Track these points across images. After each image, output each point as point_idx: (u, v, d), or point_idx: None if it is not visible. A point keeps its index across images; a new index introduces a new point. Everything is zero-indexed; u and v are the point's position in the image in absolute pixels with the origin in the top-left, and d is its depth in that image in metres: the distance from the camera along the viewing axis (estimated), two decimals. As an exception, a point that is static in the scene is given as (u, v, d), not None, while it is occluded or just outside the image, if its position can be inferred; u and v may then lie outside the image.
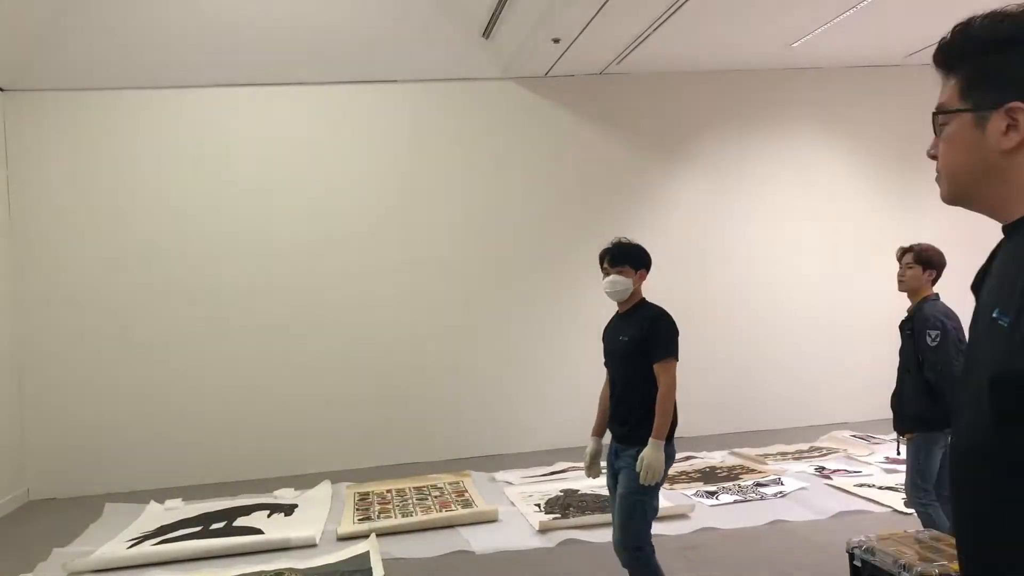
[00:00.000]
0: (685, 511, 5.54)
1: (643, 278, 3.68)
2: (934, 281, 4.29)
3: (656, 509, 3.57)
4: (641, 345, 3.54)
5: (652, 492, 3.49)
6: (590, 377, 8.16)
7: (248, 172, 7.74)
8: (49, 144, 7.45)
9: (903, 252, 4.46)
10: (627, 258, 3.66)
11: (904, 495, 4.44)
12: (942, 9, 7.08)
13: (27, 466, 7.32)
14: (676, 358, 3.54)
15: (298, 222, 7.79)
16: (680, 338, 3.61)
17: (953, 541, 3.37)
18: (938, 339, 4.05)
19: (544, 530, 5.32)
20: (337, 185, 7.88)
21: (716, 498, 5.92)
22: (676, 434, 3.62)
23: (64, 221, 7.46)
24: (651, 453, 3.40)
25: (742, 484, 6.23)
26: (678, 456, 7.19)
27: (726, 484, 6.27)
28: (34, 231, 7.42)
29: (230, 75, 7.61)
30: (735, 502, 5.81)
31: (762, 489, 6.06)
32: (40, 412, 7.36)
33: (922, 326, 4.16)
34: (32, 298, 7.39)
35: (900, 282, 4.40)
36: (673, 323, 3.60)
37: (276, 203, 7.76)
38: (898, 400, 4.29)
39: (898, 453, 4.52)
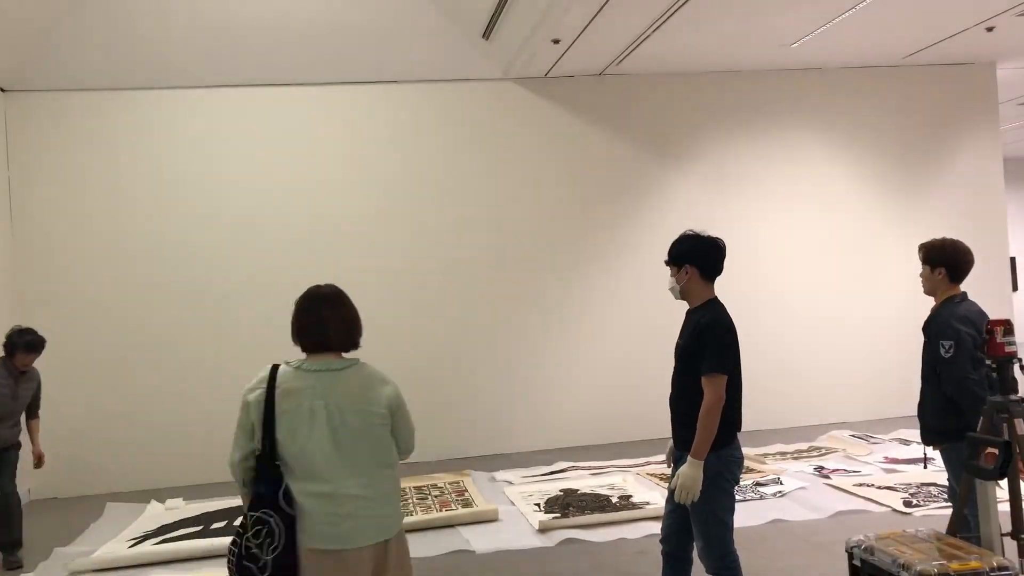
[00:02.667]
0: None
1: (689, 275, 3.31)
2: (953, 279, 3.82)
3: (726, 517, 3.33)
4: (689, 352, 3.30)
5: (718, 503, 3.28)
6: (590, 377, 8.19)
7: (248, 172, 7.75)
8: (49, 144, 7.46)
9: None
10: (670, 254, 3.39)
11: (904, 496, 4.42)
12: (942, 9, 7.10)
13: (28, 466, 7.32)
14: (724, 372, 3.25)
15: (298, 222, 7.80)
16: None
17: (956, 541, 3.39)
18: (952, 350, 3.67)
19: (544, 530, 5.33)
20: (337, 185, 7.89)
21: None
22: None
23: (64, 221, 7.47)
24: (687, 472, 3.17)
25: (741, 484, 6.23)
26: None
27: None
28: (34, 231, 7.42)
29: (230, 76, 7.62)
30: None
31: (761, 488, 6.07)
32: (41, 411, 7.36)
33: (936, 334, 3.77)
34: (32, 297, 7.40)
35: (922, 284, 3.95)
36: (723, 332, 3.30)
37: (276, 203, 7.77)
38: (921, 410, 3.93)
39: (924, 466, 4.25)
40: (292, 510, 2.49)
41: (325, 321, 2.70)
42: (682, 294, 3.38)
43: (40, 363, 7.39)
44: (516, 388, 8.13)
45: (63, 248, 7.46)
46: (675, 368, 3.42)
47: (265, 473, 2.54)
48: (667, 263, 3.40)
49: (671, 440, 3.51)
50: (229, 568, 2.54)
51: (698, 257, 3.30)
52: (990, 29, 7.57)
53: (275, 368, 2.67)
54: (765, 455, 7.10)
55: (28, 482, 7.30)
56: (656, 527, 5.28)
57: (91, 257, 7.50)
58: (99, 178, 7.54)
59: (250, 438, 2.61)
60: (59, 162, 7.48)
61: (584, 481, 6.59)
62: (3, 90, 7.37)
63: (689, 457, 3.20)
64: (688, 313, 3.42)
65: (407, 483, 6.80)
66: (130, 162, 7.58)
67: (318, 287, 2.79)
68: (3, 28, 6.71)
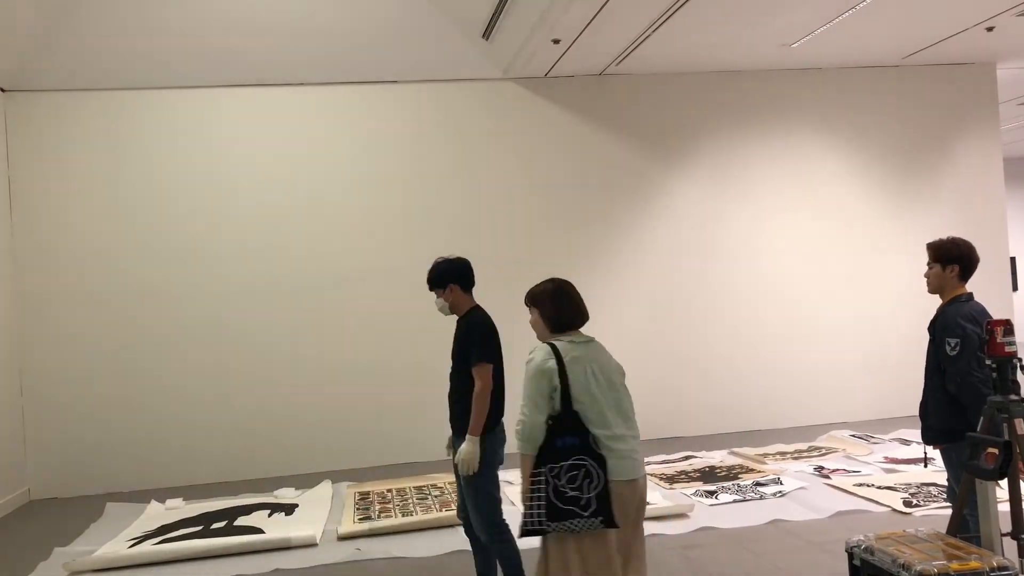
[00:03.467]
0: (684, 511, 5.55)
1: (453, 292, 3.94)
2: (963, 277, 3.85)
3: (493, 491, 3.83)
4: (460, 349, 3.88)
5: (485, 478, 3.79)
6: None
7: (248, 172, 7.75)
8: (49, 144, 7.46)
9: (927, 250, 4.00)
10: (432, 283, 3.99)
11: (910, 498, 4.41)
12: (942, 9, 7.10)
13: (28, 466, 7.33)
14: (488, 361, 3.81)
15: (298, 223, 7.80)
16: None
17: (955, 541, 3.39)
18: (957, 348, 3.68)
19: None
20: (336, 185, 7.89)
21: (715, 498, 5.92)
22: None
23: (64, 221, 7.47)
24: (465, 448, 3.73)
25: (741, 484, 6.24)
26: (677, 456, 7.10)
27: (725, 484, 6.28)
28: (34, 231, 7.43)
29: (230, 75, 7.62)
30: (734, 501, 5.81)
31: (761, 488, 6.07)
32: (41, 412, 7.37)
33: (942, 332, 3.77)
34: (32, 298, 7.40)
35: (926, 283, 3.97)
36: (484, 330, 3.88)
37: (276, 203, 7.77)
38: (924, 409, 3.91)
39: (925, 465, 4.20)
40: (602, 452, 3.02)
41: (579, 304, 3.39)
42: (451, 309, 3.98)
43: (40, 362, 7.41)
44: (516, 388, 8.12)
45: (63, 248, 7.46)
46: (451, 368, 3.95)
47: (566, 427, 3.05)
48: (431, 288, 4.00)
49: (450, 434, 4.01)
50: (531, 524, 2.99)
51: (458, 275, 3.97)
52: (990, 29, 7.58)
53: (552, 345, 3.26)
54: (765, 455, 7.10)
55: (28, 482, 7.31)
56: (656, 527, 5.28)
57: (91, 257, 7.49)
58: (99, 178, 7.54)
59: (549, 401, 3.12)
60: (59, 162, 7.48)
61: (583, 480, 6.58)
62: (3, 90, 7.37)
63: (468, 435, 3.73)
64: (457, 322, 3.98)
65: (406, 483, 6.83)
66: (130, 162, 7.58)
67: (557, 281, 3.43)
68: (3, 28, 6.71)
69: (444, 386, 8.53)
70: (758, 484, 6.18)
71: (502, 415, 3.91)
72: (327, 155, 7.89)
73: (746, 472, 6.61)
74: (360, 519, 5.78)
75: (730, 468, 6.77)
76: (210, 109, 7.71)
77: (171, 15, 7.20)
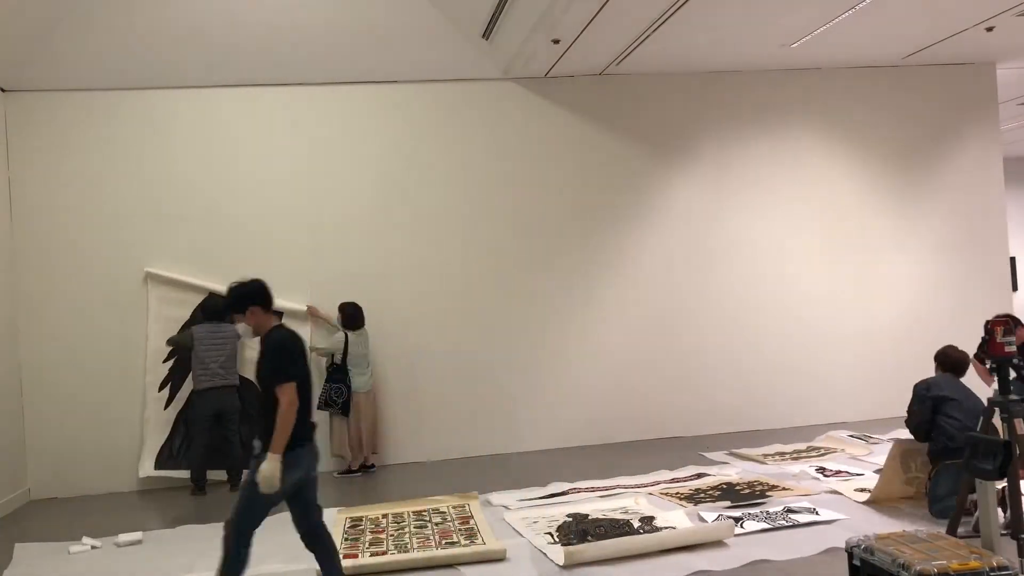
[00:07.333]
0: (724, 535, 4.88)
1: (255, 314, 3.93)
2: None
3: (264, 508, 3.75)
4: (262, 369, 3.85)
5: (259, 494, 3.68)
6: (590, 377, 8.19)
7: (248, 172, 7.75)
8: (49, 144, 7.46)
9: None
10: (231, 309, 4.06)
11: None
12: (942, 9, 7.10)
13: (28, 466, 7.33)
14: (290, 380, 3.74)
15: (298, 222, 7.80)
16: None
17: (955, 541, 3.39)
18: None
19: (571, 564, 4.52)
20: (336, 185, 7.88)
21: (741, 525, 5.09)
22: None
23: (64, 221, 7.46)
24: (266, 466, 3.64)
25: (771, 510, 5.41)
26: (687, 473, 6.82)
27: (751, 509, 5.46)
28: (34, 231, 7.42)
29: (230, 75, 7.62)
30: (763, 531, 5.00)
31: (794, 516, 5.24)
32: (41, 412, 7.36)
33: None
34: (32, 298, 7.40)
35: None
36: (285, 348, 3.85)
37: (276, 203, 7.77)
38: None
39: None
40: None
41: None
42: (256, 331, 3.97)
43: (40, 362, 7.40)
44: (516, 388, 8.11)
45: (63, 248, 7.46)
46: (260, 389, 3.88)
47: None
48: (231, 313, 4.06)
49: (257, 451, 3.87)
50: None
51: (255, 297, 3.96)
52: (990, 29, 7.57)
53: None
54: (765, 455, 7.08)
55: (28, 482, 7.30)
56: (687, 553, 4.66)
57: (91, 257, 7.49)
58: (99, 178, 7.53)
59: None
60: (59, 162, 7.48)
61: (592, 504, 5.79)
62: (3, 90, 7.37)
63: (268, 454, 3.66)
64: (260, 342, 3.95)
65: (406, 507, 5.98)
66: (130, 161, 7.58)
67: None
68: (3, 28, 6.71)
69: (442, 387, 8.49)
70: (789, 511, 5.34)
71: (308, 433, 3.86)
72: (327, 155, 7.88)
73: (770, 490, 5.88)
74: (346, 554, 4.84)
75: (751, 485, 6.07)
76: (210, 109, 7.71)
77: (171, 15, 7.19)
